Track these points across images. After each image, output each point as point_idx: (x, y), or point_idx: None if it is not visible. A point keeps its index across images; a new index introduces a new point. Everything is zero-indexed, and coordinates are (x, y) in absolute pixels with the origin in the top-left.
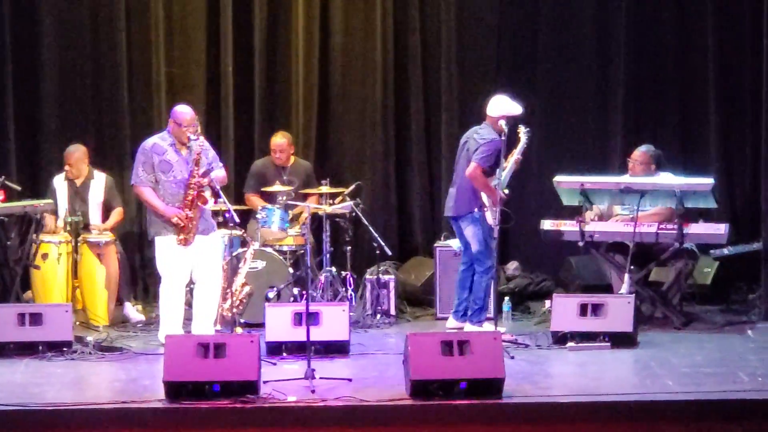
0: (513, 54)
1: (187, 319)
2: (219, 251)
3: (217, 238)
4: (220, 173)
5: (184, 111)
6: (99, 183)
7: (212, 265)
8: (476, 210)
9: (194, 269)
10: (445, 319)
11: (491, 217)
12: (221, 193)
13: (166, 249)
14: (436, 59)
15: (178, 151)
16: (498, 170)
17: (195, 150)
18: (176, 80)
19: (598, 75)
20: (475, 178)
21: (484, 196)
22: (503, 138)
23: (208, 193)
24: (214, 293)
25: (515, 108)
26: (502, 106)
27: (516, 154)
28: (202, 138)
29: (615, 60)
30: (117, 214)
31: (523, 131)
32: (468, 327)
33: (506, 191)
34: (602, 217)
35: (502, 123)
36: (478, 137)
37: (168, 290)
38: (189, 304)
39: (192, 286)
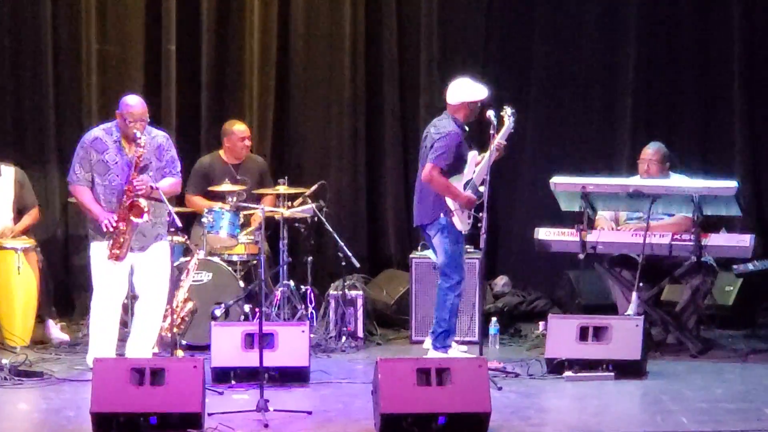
0: (504, 33)
1: (122, 340)
2: (164, 264)
3: (160, 250)
4: (166, 183)
5: (131, 103)
6: (7, 178)
7: (155, 281)
8: (442, 216)
9: (136, 284)
10: (422, 342)
11: (460, 222)
12: (161, 192)
13: (99, 257)
14: (413, 38)
15: (121, 150)
16: (466, 166)
17: (136, 152)
18: (110, 60)
19: (603, 59)
20: (432, 181)
21: (449, 200)
22: (491, 132)
23: (145, 204)
24: (157, 311)
25: (479, 92)
26: (463, 90)
27: (498, 138)
28: (144, 138)
29: (623, 42)
30: (31, 214)
31: (508, 113)
32: (431, 353)
33: (481, 189)
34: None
35: (491, 114)
36: (434, 131)
37: (100, 305)
38: (125, 324)
39: (126, 301)
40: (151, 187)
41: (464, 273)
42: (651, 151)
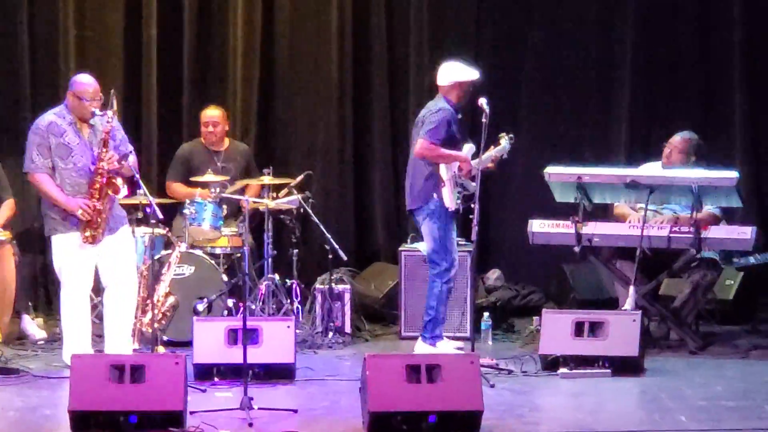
0: (497, 19)
1: (98, 335)
2: (131, 248)
3: (127, 234)
4: (131, 160)
5: (86, 81)
6: None
7: (125, 266)
8: (434, 197)
9: (103, 274)
10: (411, 338)
11: (448, 196)
12: (141, 182)
13: (65, 249)
14: (403, 23)
15: (78, 132)
16: (466, 145)
17: (102, 128)
18: (88, 46)
19: (600, 47)
20: (425, 155)
21: (442, 170)
22: (484, 120)
23: (120, 180)
24: (130, 301)
25: (470, 73)
26: (454, 71)
27: (494, 152)
28: (110, 113)
29: (621, 29)
30: (7, 207)
31: (505, 137)
32: (419, 346)
33: (472, 184)
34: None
35: (482, 102)
36: (424, 112)
37: (70, 299)
38: (100, 317)
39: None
40: (120, 162)
41: (454, 260)
42: (679, 138)
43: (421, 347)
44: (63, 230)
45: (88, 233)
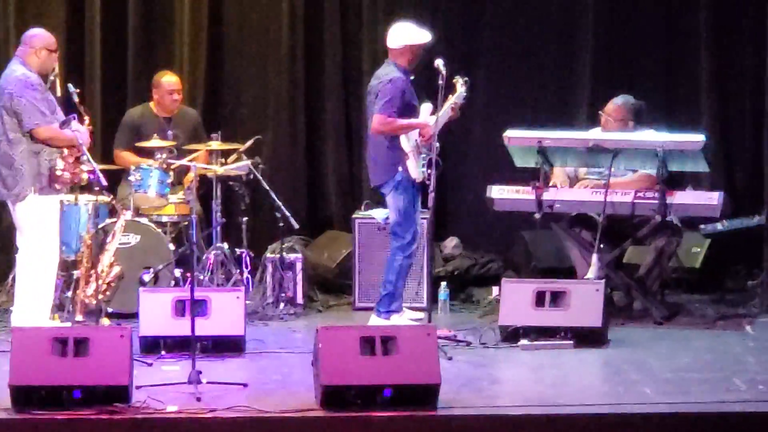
0: None
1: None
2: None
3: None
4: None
5: (49, 33)
6: None
7: (29, 233)
8: (400, 169)
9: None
10: (365, 309)
11: (414, 168)
12: (83, 147)
13: (48, 212)
14: None
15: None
16: (419, 117)
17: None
18: (27, 5)
19: (560, 8)
20: (382, 129)
21: (403, 142)
22: (440, 82)
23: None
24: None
25: (422, 36)
26: (405, 33)
27: (452, 100)
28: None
29: None
30: None
31: (460, 82)
32: (373, 319)
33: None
34: (572, 183)
35: (438, 63)
36: (376, 81)
37: (53, 264)
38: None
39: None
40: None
41: (416, 233)
42: (612, 107)
43: (375, 322)
44: (54, 191)
45: (72, 171)
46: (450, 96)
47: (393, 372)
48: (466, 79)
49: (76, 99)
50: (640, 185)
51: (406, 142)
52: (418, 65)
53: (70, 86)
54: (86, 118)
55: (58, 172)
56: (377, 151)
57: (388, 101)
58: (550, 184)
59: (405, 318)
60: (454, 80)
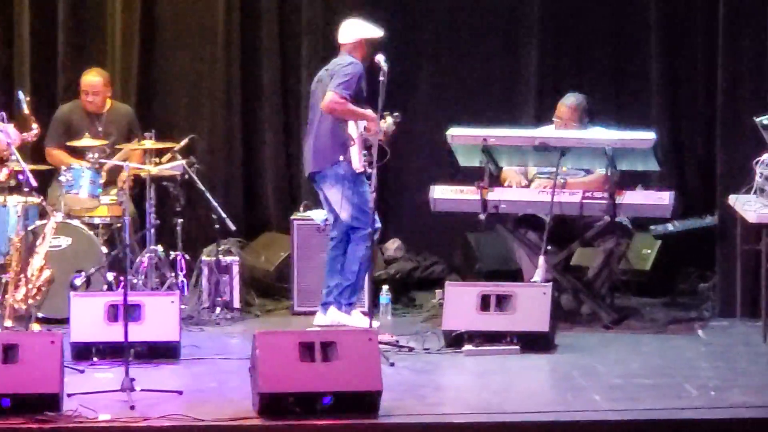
0: None
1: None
2: None
3: None
4: None
5: None
6: None
7: None
8: (341, 158)
9: None
10: (306, 314)
11: (357, 156)
12: (13, 148)
13: None
14: None
15: None
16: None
17: None
18: None
19: (506, 4)
20: (335, 107)
21: (351, 128)
22: (383, 78)
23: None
24: None
25: (374, 31)
26: (358, 28)
27: (382, 127)
28: None
29: None
30: None
31: (392, 116)
32: (332, 313)
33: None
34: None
35: (380, 59)
36: (332, 67)
37: None
38: None
39: None
40: None
41: (374, 222)
42: (564, 109)
43: (334, 315)
44: None
45: None
46: (381, 122)
47: (333, 378)
48: (397, 114)
49: (24, 107)
50: (599, 185)
51: (354, 129)
52: (367, 64)
53: (20, 93)
54: (34, 126)
55: None
56: (320, 135)
57: (346, 81)
58: (505, 184)
59: (358, 318)
60: (385, 113)
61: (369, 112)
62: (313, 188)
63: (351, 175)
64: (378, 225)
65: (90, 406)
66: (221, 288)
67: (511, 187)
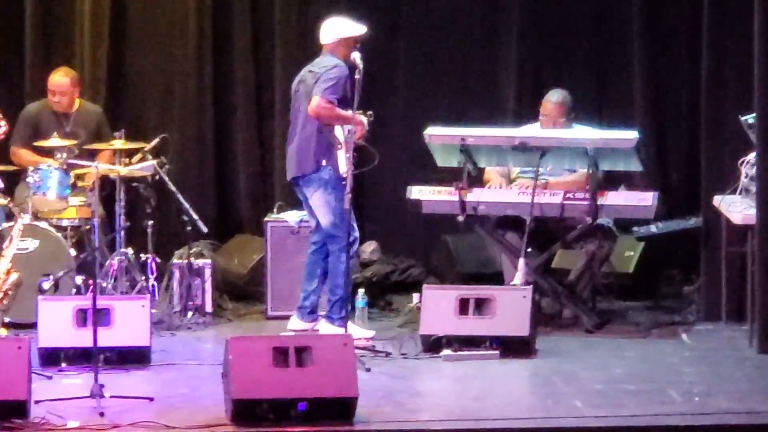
0: None
1: None
2: None
3: None
4: None
5: None
6: None
7: None
8: (324, 163)
9: None
10: (280, 318)
11: (343, 161)
12: None
13: None
14: None
15: None
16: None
17: None
18: None
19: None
20: (321, 113)
21: (338, 132)
22: (358, 76)
23: None
24: None
25: (356, 29)
26: (339, 27)
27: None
28: None
29: None
30: None
31: (364, 116)
32: (324, 328)
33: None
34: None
35: (355, 57)
36: (315, 68)
37: None
38: None
39: None
40: None
41: (354, 229)
42: (551, 107)
43: (328, 330)
44: None
45: None
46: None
47: (308, 384)
48: (371, 113)
49: None
50: (580, 185)
51: (341, 132)
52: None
53: None
54: (2, 123)
55: None
56: (305, 138)
57: (332, 85)
58: (487, 186)
59: (362, 332)
60: (359, 111)
61: (356, 116)
62: (294, 191)
63: (335, 179)
64: (356, 234)
65: (58, 413)
66: (193, 292)
67: (490, 188)
